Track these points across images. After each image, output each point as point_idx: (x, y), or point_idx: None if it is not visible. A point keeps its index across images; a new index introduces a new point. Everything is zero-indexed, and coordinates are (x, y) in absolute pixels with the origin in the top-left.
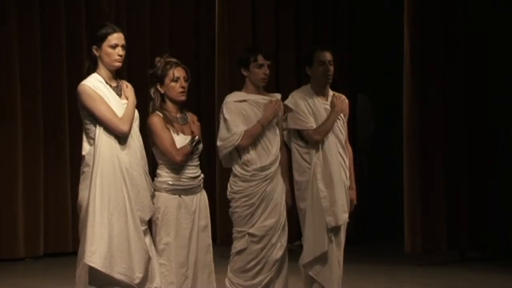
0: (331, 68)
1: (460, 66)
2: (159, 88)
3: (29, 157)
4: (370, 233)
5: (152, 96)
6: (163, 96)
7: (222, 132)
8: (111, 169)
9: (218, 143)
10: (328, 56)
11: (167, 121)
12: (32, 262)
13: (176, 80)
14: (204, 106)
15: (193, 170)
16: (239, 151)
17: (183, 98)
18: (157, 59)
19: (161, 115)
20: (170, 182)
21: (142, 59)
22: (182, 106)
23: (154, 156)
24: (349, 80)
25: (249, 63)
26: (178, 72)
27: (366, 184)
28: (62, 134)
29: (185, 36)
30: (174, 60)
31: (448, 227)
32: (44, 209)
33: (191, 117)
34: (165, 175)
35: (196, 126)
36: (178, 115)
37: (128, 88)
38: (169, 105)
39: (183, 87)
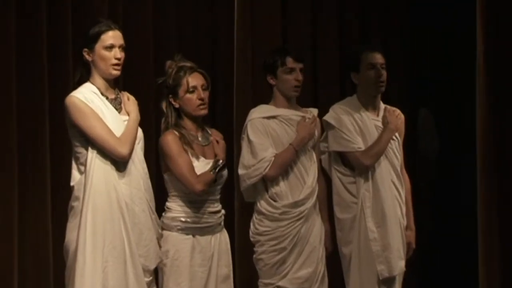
0: (384, 73)
1: None
2: (173, 102)
3: (0, 189)
4: (433, 283)
5: (164, 111)
6: (178, 111)
7: (246, 157)
8: (106, 203)
9: (241, 171)
10: (379, 58)
11: (185, 141)
12: None
13: (192, 90)
14: (220, 124)
15: (213, 204)
16: (266, 182)
17: (203, 112)
18: (168, 63)
19: (176, 133)
20: (183, 219)
21: (143, 65)
22: (203, 122)
23: (165, 186)
24: (405, 90)
25: (276, 68)
26: (194, 79)
27: (428, 222)
28: (42, 161)
29: (196, 36)
30: (188, 64)
31: None
32: (19, 253)
33: (214, 135)
34: (177, 209)
35: (221, 147)
36: (199, 134)
37: (129, 101)
38: (187, 121)
39: (202, 99)
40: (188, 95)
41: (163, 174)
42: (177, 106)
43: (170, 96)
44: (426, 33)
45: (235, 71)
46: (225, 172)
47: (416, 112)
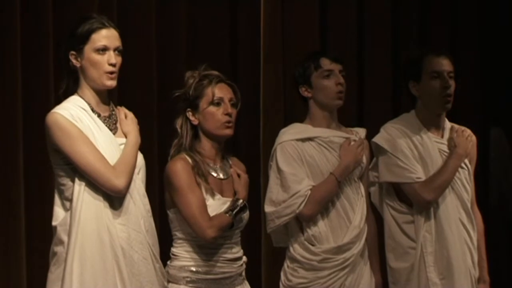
0: (452, 83)
1: None
2: (191, 117)
3: None
4: None
5: (179, 130)
6: (196, 130)
7: (275, 191)
8: (97, 249)
9: (268, 208)
10: (446, 64)
11: (199, 171)
12: None
13: (217, 102)
14: (243, 150)
15: (230, 249)
16: (300, 221)
17: (227, 131)
18: (188, 73)
19: (189, 160)
20: (193, 269)
21: (144, 74)
22: (225, 149)
23: (170, 225)
24: (476, 106)
25: (309, 75)
26: (221, 90)
27: (506, 273)
28: (15, 194)
29: (212, 38)
30: (215, 73)
31: None
32: None
33: (235, 165)
34: (185, 256)
35: (243, 182)
36: (217, 163)
37: (127, 120)
38: (206, 144)
39: (228, 114)
40: (211, 108)
41: (167, 210)
42: (195, 122)
43: (188, 109)
44: (500, 34)
45: (261, 82)
46: (245, 215)
47: (487, 132)
